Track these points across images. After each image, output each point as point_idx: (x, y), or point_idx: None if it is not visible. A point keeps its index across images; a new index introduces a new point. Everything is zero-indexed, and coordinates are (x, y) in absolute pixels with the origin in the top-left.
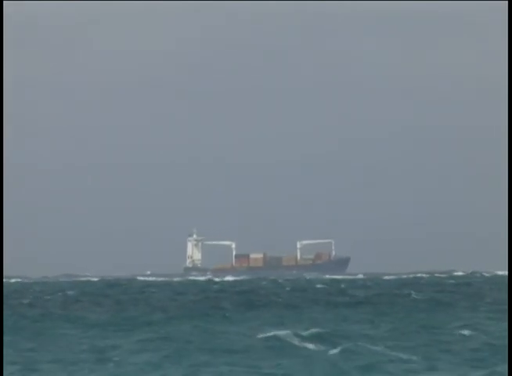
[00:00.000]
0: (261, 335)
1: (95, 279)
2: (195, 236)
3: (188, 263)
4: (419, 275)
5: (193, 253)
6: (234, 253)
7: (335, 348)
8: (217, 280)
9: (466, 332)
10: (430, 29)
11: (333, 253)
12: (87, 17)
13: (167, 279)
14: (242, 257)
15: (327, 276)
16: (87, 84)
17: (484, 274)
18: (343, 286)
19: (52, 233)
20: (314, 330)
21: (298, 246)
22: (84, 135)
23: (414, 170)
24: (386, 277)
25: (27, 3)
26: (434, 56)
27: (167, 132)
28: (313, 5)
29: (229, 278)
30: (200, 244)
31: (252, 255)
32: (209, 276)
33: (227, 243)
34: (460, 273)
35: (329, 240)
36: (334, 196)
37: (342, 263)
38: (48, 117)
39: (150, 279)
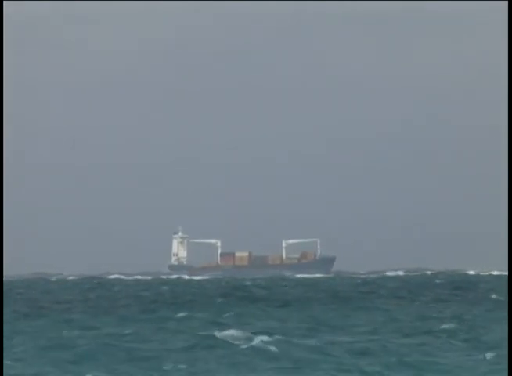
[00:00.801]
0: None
1: (72, 277)
2: (180, 233)
3: (173, 261)
4: (388, 273)
5: (179, 251)
6: (219, 251)
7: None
8: (187, 277)
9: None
10: (430, 29)
11: (319, 252)
12: (86, 17)
13: (137, 277)
14: (227, 255)
15: (301, 275)
16: (87, 84)
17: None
18: (311, 284)
19: (52, 233)
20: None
21: (284, 245)
22: (84, 135)
23: (414, 170)
24: (363, 276)
25: (27, 3)
26: (434, 55)
27: (167, 132)
28: (312, 5)
29: (199, 277)
30: (185, 241)
31: (237, 254)
32: (182, 275)
33: (212, 241)
34: (429, 272)
35: (315, 240)
36: (323, 195)
37: (327, 262)
38: (48, 117)
39: (113, 277)
